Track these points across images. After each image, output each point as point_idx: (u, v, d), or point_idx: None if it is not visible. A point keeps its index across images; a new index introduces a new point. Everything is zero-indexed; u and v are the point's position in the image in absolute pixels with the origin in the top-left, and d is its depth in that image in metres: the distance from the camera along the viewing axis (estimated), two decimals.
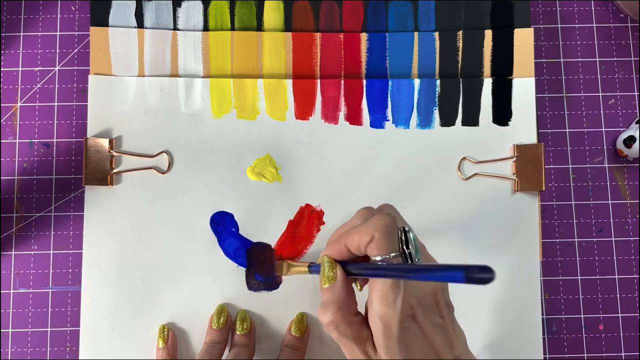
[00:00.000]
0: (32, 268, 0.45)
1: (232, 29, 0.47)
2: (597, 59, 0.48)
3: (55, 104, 0.47)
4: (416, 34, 0.47)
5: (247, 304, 0.44)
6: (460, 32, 0.47)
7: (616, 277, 0.46)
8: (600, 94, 0.48)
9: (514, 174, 0.45)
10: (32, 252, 0.45)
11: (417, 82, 0.46)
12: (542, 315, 0.45)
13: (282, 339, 0.44)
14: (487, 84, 0.46)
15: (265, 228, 0.45)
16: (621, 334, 0.46)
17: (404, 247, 0.31)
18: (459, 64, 0.47)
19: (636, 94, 0.48)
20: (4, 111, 0.46)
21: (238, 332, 0.42)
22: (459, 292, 0.44)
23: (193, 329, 0.44)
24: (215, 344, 0.42)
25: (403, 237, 0.30)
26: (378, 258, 0.31)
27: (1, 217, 0.45)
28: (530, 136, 0.46)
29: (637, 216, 0.47)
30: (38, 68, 0.47)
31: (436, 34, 0.47)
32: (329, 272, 0.33)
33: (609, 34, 0.49)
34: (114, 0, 0.46)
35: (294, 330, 0.42)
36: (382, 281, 0.30)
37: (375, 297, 0.30)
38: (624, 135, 0.46)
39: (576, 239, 0.47)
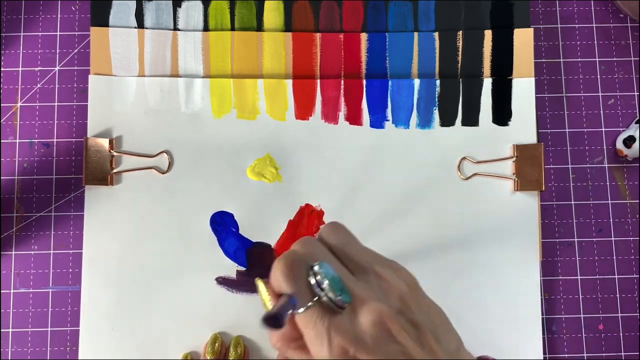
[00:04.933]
0: (32, 268, 0.45)
1: (232, 29, 0.47)
2: (597, 59, 0.48)
3: (56, 104, 0.47)
4: (416, 34, 0.47)
5: (247, 303, 0.44)
6: (460, 32, 0.47)
7: (616, 277, 0.46)
8: (600, 94, 0.48)
9: (513, 174, 0.45)
10: (32, 252, 0.45)
11: (417, 82, 0.46)
12: (542, 315, 0.45)
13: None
14: (487, 84, 0.46)
15: (265, 228, 0.45)
16: (621, 334, 0.46)
17: (317, 286, 0.28)
18: (459, 64, 0.47)
19: (636, 94, 0.48)
20: (4, 111, 0.46)
21: (231, 358, 0.42)
22: (458, 292, 0.45)
23: (192, 328, 0.44)
24: None
25: (311, 274, 0.27)
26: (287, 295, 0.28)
27: (1, 217, 0.45)
28: (530, 136, 0.46)
29: (637, 216, 0.47)
30: (38, 68, 0.47)
31: (436, 34, 0.47)
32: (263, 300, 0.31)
33: (609, 34, 0.49)
34: (114, 0, 0.46)
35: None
36: (303, 327, 0.27)
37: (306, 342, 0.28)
38: (624, 135, 0.47)
39: (576, 239, 0.47)
